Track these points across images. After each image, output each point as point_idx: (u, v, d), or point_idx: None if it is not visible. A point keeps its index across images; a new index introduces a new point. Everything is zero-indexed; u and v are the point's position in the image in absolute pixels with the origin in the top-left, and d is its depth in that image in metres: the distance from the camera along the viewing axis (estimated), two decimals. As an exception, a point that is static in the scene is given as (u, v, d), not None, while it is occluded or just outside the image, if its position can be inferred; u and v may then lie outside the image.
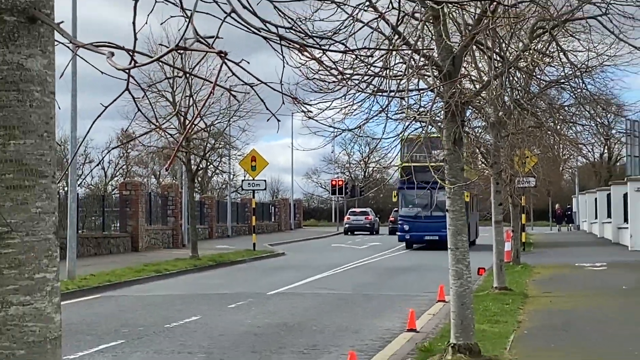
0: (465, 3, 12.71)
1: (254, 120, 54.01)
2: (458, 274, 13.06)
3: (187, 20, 3.12)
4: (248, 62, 3.28)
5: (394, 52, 12.34)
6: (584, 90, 19.80)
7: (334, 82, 12.65)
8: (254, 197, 48.23)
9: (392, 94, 12.30)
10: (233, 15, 3.35)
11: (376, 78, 12.60)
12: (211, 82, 3.17)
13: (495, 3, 11.99)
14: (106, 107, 3.34)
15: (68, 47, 3.28)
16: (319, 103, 12.90)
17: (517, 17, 14.44)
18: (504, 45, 15.99)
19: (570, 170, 72.22)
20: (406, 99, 12.95)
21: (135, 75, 3.10)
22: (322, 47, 4.75)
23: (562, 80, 19.94)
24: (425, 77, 13.31)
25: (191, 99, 36.95)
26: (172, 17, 3.48)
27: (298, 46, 4.10)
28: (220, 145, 50.53)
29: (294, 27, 4.94)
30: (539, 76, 20.16)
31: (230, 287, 25.68)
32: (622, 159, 72.86)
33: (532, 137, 26.11)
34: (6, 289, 2.93)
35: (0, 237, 2.94)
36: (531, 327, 16.28)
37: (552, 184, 58.50)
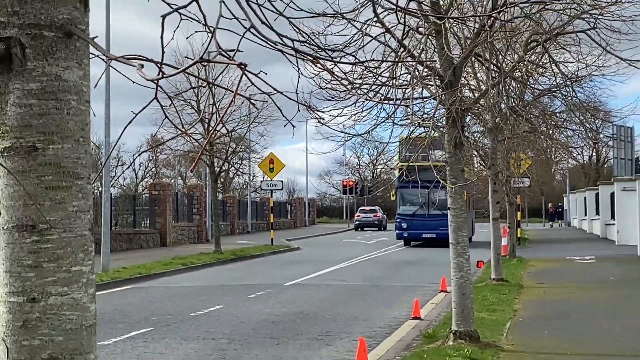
0: (465, 18, 12.71)
1: (271, 126, 53.99)
2: (459, 267, 13.05)
3: (210, 35, 3.12)
4: (266, 73, 3.28)
5: (400, 64, 12.33)
6: (574, 98, 19.76)
7: (344, 91, 12.63)
8: (271, 196, 48.23)
9: (398, 102, 12.29)
10: (252, 30, 3.35)
11: (383, 87, 12.58)
12: (232, 92, 3.16)
13: (492, 18, 11.97)
14: (136, 115, 3.34)
15: (102, 59, 3.28)
16: (331, 110, 12.89)
17: (512, 31, 14.39)
18: (500, 57, 15.97)
19: (561, 172, 72.10)
20: (411, 106, 12.94)
21: (163, 85, 3.11)
22: (334, 59, 4.74)
23: (554, 89, 19.88)
24: (429, 86, 13.30)
25: (214, 107, 37.00)
26: (196, 32, 3.49)
27: (312, 58, 4.09)
28: (241, 149, 50.61)
29: (308, 41, 4.94)
30: (532, 85, 20.10)
31: (250, 279, 25.68)
32: (609, 161, 72.56)
33: (527, 141, 26.08)
34: (46, 281, 2.94)
35: (40, 233, 2.94)
36: (526, 315, 16.24)
37: (545, 184, 58.46)
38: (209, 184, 44.48)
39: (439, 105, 12.86)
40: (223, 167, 42.20)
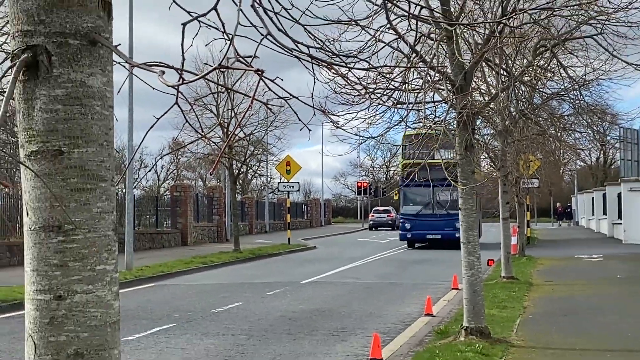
0: (475, 25, 12.68)
1: (288, 130, 54.15)
2: (470, 265, 13.02)
3: (229, 42, 3.13)
4: (282, 79, 3.28)
5: (412, 69, 12.32)
6: (582, 102, 19.70)
7: (358, 95, 12.64)
8: (288, 197, 48.27)
9: (411, 105, 12.27)
10: (269, 37, 3.36)
11: (396, 92, 12.59)
12: (250, 97, 3.17)
13: (502, 25, 11.94)
14: (158, 119, 3.35)
15: (125, 66, 3.30)
16: (345, 114, 12.91)
17: (521, 37, 14.36)
18: (510, 61, 15.93)
19: (569, 173, 71.84)
20: (423, 110, 12.94)
21: (184, 91, 3.12)
22: (348, 65, 4.74)
23: (562, 93, 19.82)
24: (440, 90, 13.28)
25: (232, 111, 37.11)
26: (215, 39, 3.49)
27: (327, 64, 4.10)
28: (259, 152, 50.64)
29: (323, 48, 4.94)
30: (541, 89, 20.06)
31: (268, 277, 25.70)
32: (616, 162, 72.18)
33: (536, 143, 26.02)
34: (71, 279, 2.95)
35: (66, 233, 2.96)
36: (535, 312, 16.18)
37: (554, 184, 58.24)
38: (228, 186, 44.55)
39: (450, 108, 12.84)
40: (242, 170, 42.19)
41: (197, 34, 3.25)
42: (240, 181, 72.60)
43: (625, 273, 24.26)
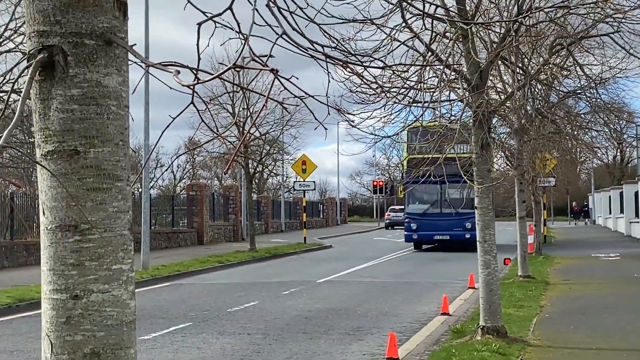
0: (491, 23, 12.64)
1: (303, 129, 54.13)
2: (486, 264, 12.99)
3: (244, 42, 3.13)
4: (297, 78, 3.28)
5: (428, 68, 12.30)
6: (599, 100, 19.59)
7: (374, 94, 12.63)
8: (304, 196, 48.28)
9: (426, 104, 12.26)
10: (284, 36, 3.36)
11: (411, 91, 12.57)
12: (265, 96, 3.17)
13: (517, 23, 11.90)
14: (174, 119, 3.36)
15: (140, 66, 3.31)
16: (361, 113, 12.90)
17: (537, 35, 14.30)
18: (526, 60, 15.88)
19: (586, 171, 71.51)
20: (438, 109, 12.90)
21: (200, 90, 3.12)
22: (364, 64, 4.73)
23: (579, 91, 19.74)
24: (456, 89, 13.25)
25: (248, 110, 37.12)
26: (230, 39, 3.49)
27: (342, 63, 4.09)
28: (275, 151, 50.69)
29: (338, 47, 4.94)
30: (557, 87, 19.98)
31: (284, 276, 25.72)
32: (633, 160, 71.77)
33: (552, 142, 25.90)
34: (88, 279, 2.96)
35: (82, 233, 2.97)
36: (552, 311, 16.13)
37: (570, 183, 57.94)
38: (244, 185, 44.60)
39: (466, 107, 12.81)
40: (257, 169, 42.26)
41: (212, 33, 3.25)
42: (256, 180, 72.73)
43: (643, 272, 24.13)
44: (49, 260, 2.99)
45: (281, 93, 3.60)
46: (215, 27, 3.23)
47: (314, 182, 48.75)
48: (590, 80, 17.72)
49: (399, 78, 12.36)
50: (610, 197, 59.28)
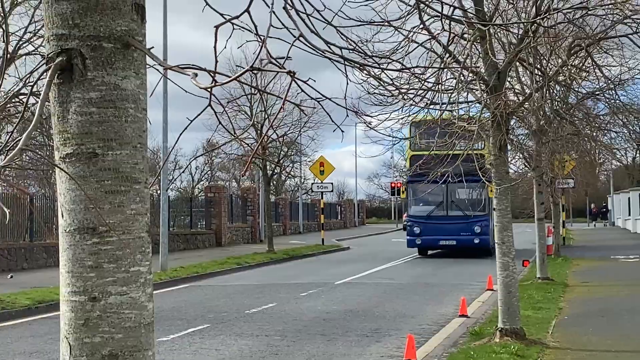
0: (509, 25, 12.60)
1: (321, 131, 54.03)
2: (504, 266, 12.94)
3: (261, 44, 3.13)
4: (314, 80, 3.28)
5: (445, 69, 12.27)
6: (617, 101, 19.48)
7: (391, 96, 12.62)
8: (322, 198, 48.24)
9: (444, 106, 12.23)
10: (301, 39, 3.36)
11: (429, 92, 12.54)
12: (282, 98, 3.17)
13: (536, 24, 11.85)
14: (192, 121, 3.37)
15: (158, 69, 3.31)
16: (378, 115, 12.89)
17: (556, 37, 14.24)
18: (544, 61, 15.80)
19: (605, 173, 71.17)
20: (456, 110, 12.87)
21: (217, 93, 3.13)
22: (381, 66, 4.73)
23: (597, 92, 19.64)
24: (474, 90, 13.21)
25: (265, 113, 37.15)
26: (248, 41, 3.50)
27: (359, 65, 4.09)
28: (292, 153, 50.67)
29: (355, 49, 4.93)
30: (576, 89, 19.89)
31: (302, 278, 25.72)
32: (653, 162, 71.46)
33: (571, 143, 25.76)
34: (106, 281, 2.97)
35: (101, 235, 2.98)
36: (571, 313, 16.05)
37: (589, 185, 57.66)
38: (261, 187, 44.63)
39: (484, 109, 12.77)
40: (275, 170, 42.26)
41: (230, 36, 3.26)
42: (274, 182, 72.76)
43: (663, 274, 23.98)
44: (67, 263, 3.01)
45: (298, 95, 3.59)
46: (233, 29, 3.23)
47: (332, 183, 48.67)
48: (609, 82, 17.62)
49: (417, 80, 12.34)
50: (629, 198, 58.94)
